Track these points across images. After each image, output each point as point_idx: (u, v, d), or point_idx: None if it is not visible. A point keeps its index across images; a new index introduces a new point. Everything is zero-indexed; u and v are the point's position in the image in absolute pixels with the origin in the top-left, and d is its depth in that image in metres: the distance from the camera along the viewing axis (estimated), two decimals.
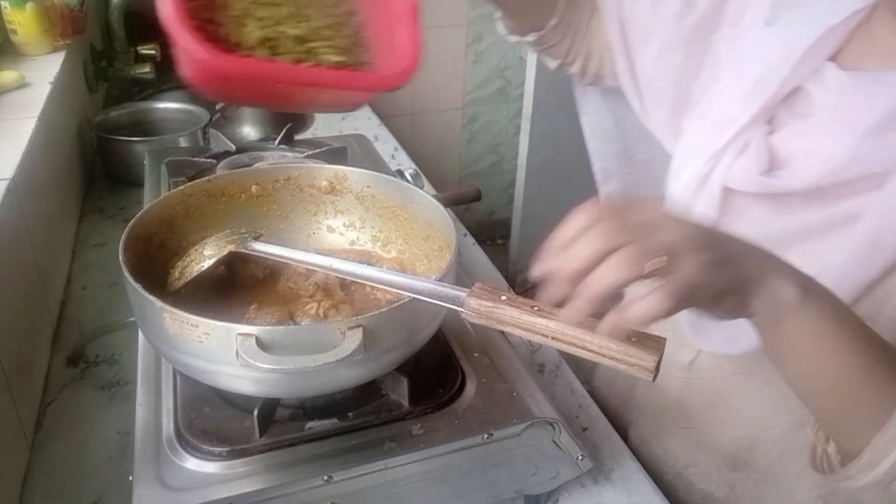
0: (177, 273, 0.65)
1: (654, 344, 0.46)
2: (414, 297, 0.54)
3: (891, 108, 0.57)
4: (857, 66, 0.62)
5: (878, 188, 0.57)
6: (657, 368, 0.45)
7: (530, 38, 0.83)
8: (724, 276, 0.46)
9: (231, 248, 0.64)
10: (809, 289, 0.49)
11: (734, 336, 0.66)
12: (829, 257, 0.59)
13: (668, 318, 0.45)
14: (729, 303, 0.47)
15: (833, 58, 0.64)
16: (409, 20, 0.62)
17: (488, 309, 0.49)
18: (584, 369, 0.92)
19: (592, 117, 0.95)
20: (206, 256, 0.64)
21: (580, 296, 0.45)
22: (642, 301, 0.44)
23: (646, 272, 0.44)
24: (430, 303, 0.52)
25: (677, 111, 0.76)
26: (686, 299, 0.45)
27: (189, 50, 0.47)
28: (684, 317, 0.73)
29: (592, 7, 0.82)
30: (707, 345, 0.72)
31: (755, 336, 0.56)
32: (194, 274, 0.63)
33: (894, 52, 0.60)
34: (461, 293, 0.51)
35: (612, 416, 0.82)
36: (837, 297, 0.50)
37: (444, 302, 0.51)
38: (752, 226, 0.64)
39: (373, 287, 0.71)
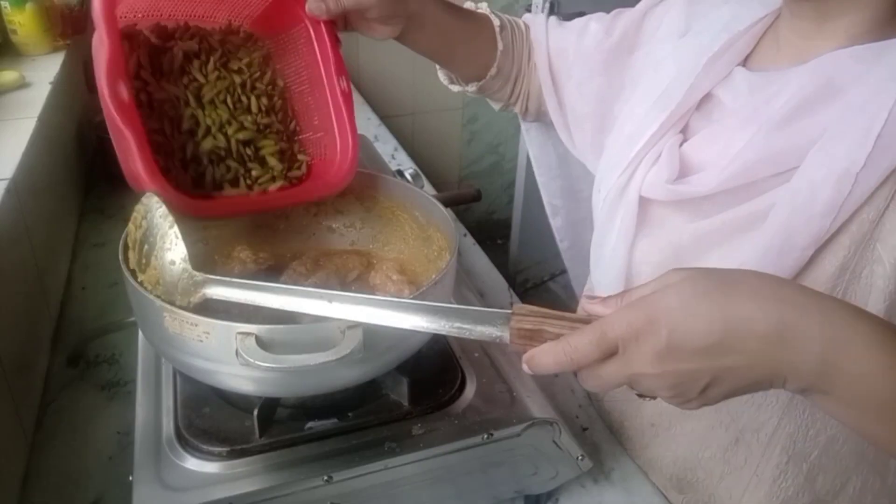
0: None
1: None
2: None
3: (793, 103, 0.57)
4: (766, 68, 0.64)
5: (784, 183, 0.57)
6: None
7: (471, 87, 0.86)
8: (732, 386, 0.43)
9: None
10: (831, 352, 0.41)
11: None
12: (744, 259, 0.58)
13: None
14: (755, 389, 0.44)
15: (744, 63, 0.65)
16: (345, 110, 0.72)
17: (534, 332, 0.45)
18: None
19: (538, 153, 0.97)
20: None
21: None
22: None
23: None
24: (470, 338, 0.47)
25: (602, 132, 0.78)
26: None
27: (169, 200, 0.57)
28: None
29: (529, 49, 0.84)
30: None
31: None
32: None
33: (797, 51, 0.61)
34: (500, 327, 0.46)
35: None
36: (873, 325, 0.42)
37: (485, 338, 0.46)
38: (669, 234, 0.65)
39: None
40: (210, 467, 0.56)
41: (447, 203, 0.75)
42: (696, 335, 0.41)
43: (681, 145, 0.66)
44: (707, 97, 0.66)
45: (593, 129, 0.80)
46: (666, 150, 0.65)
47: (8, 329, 0.73)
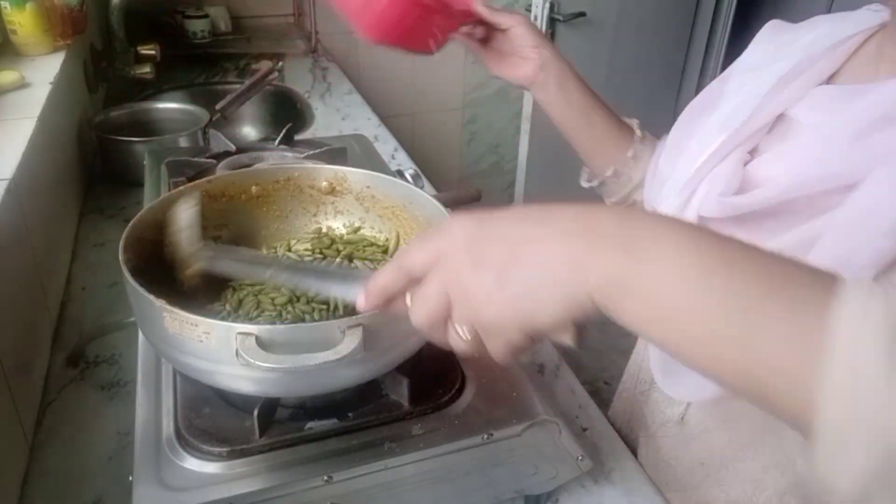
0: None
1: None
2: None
3: (873, 114, 0.53)
4: (861, 83, 0.59)
5: (839, 206, 0.53)
6: None
7: (608, 171, 0.86)
8: (531, 268, 0.40)
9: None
10: (637, 238, 0.38)
11: (699, 381, 0.61)
12: None
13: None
14: (543, 315, 0.41)
15: (829, 81, 0.62)
16: None
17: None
18: (584, 370, 0.92)
19: None
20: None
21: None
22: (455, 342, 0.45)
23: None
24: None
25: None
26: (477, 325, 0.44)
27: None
28: (653, 364, 0.71)
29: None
30: (677, 391, 0.69)
31: None
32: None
33: (877, 65, 0.58)
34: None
35: None
36: (694, 227, 0.40)
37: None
38: None
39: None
40: (210, 467, 0.56)
41: (447, 203, 0.75)
42: (502, 215, 0.43)
43: (747, 165, 0.62)
44: (782, 118, 0.63)
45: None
46: (726, 164, 0.62)
47: (8, 329, 0.73)
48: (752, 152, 0.63)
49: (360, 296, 0.48)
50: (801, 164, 0.57)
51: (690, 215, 0.63)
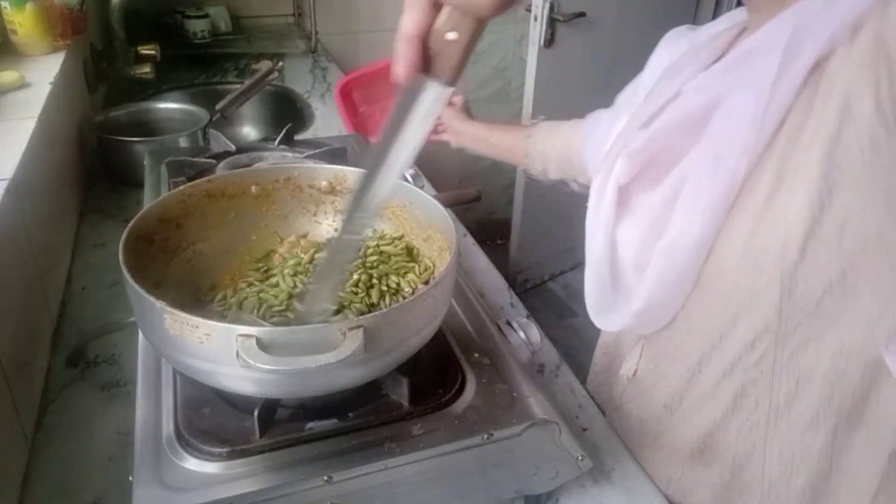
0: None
1: None
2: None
3: (731, 56, 0.65)
4: None
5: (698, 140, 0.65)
6: None
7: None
8: None
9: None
10: None
11: (628, 305, 0.71)
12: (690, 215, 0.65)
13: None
14: None
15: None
16: None
17: None
18: (584, 370, 0.92)
19: None
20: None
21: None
22: None
23: None
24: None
25: None
26: None
27: None
28: (589, 305, 0.78)
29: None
30: (606, 323, 0.77)
31: (645, 295, 0.69)
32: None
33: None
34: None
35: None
36: None
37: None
38: (643, 214, 0.71)
39: None
40: (210, 467, 0.57)
41: (447, 203, 0.75)
42: None
43: None
44: (675, 97, 0.73)
45: None
46: (633, 138, 0.72)
47: (8, 329, 0.73)
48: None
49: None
50: (680, 106, 0.68)
51: (611, 185, 0.73)
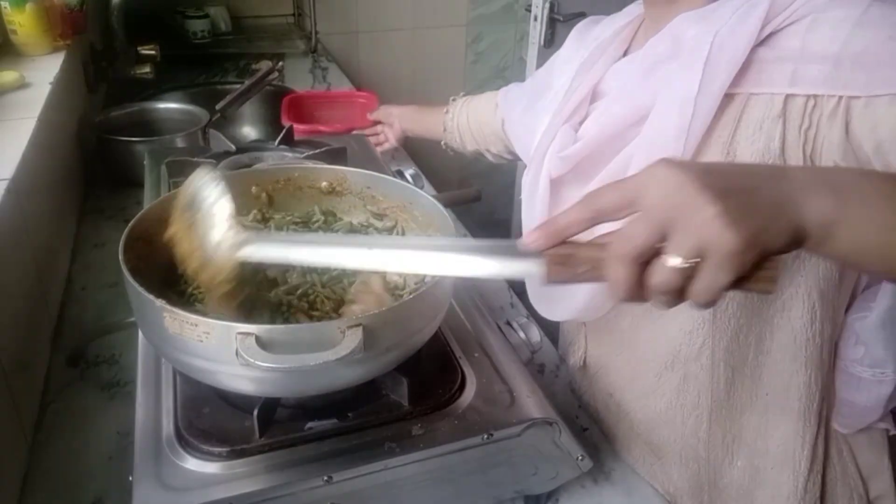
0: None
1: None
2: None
3: (647, 62, 0.69)
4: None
5: (638, 133, 0.67)
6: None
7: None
8: (754, 221, 0.42)
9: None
10: (842, 186, 0.46)
11: (573, 297, 0.74)
12: None
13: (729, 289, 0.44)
14: (776, 239, 0.43)
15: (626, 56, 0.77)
16: None
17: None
18: None
19: None
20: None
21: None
22: (699, 282, 0.43)
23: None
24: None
25: None
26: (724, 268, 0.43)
27: None
28: (532, 297, 0.82)
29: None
30: (551, 312, 0.79)
31: (594, 298, 0.72)
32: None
33: (648, 37, 0.72)
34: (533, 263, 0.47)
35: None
36: (873, 172, 0.53)
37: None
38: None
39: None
40: (210, 467, 0.56)
41: (447, 203, 0.75)
42: (722, 164, 0.51)
43: (578, 131, 0.77)
44: (596, 93, 0.77)
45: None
46: (561, 133, 0.76)
47: (8, 329, 0.73)
48: (584, 121, 0.77)
49: (532, 233, 0.46)
50: (608, 112, 0.72)
51: (545, 176, 0.76)
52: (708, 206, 0.41)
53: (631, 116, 0.68)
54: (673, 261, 0.43)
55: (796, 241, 0.44)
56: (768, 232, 0.43)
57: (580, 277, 0.46)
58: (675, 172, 0.43)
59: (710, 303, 0.44)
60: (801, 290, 0.67)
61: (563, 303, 0.77)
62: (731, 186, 0.43)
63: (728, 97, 0.63)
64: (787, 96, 0.60)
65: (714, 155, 0.64)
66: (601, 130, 0.71)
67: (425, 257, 0.49)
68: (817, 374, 0.71)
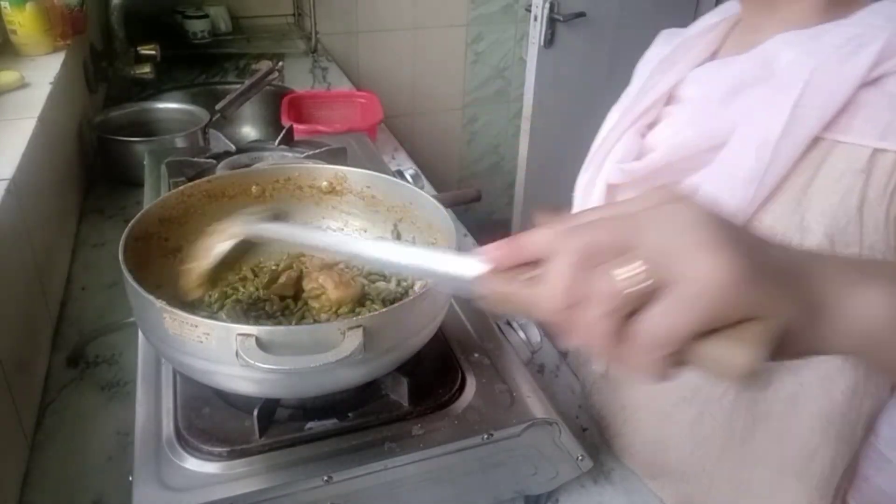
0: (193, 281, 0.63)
1: (756, 332, 0.32)
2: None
3: (730, 83, 0.62)
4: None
5: (711, 162, 0.62)
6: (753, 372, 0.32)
7: None
8: (786, 305, 0.33)
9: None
10: (881, 279, 0.38)
11: None
12: None
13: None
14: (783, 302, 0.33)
15: (713, 59, 0.71)
16: None
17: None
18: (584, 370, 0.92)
19: None
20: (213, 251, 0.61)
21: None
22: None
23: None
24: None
25: None
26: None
27: None
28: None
29: None
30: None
31: None
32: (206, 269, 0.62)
33: (751, 44, 0.64)
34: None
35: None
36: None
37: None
38: None
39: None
40: (210, 467, 0.56)
41: (447, 203, 0.75)
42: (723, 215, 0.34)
43: (645, 137, 0.73)
44: (673, 97, 0.72)
45: None
46: (626, 137, 0.72)
47: (8, 329, 0.73)
48: (653, 125, 0.73)
49: (485, 254, 0.38)
50: (681, 129, 0.66)
51: (600, 183, 0.73)
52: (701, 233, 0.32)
53: (704, 143, 0.63)
54: (623, 270, 0.32)
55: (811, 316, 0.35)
56: (775, 289, 0.33)
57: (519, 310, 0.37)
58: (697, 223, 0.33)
59: (652, 361, 0.32)
60: (847, 362, 0.60)
61: None
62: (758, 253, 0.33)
63: (812, 140, 0.56)
64: (875, 150, 0.54)
65: (785, 203, 0.58)
66: (669, 153, 0.66)
67: (367, 244, 0.49)
68: (846, 450, 0.64)
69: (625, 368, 0.34)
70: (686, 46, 0.72)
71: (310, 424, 0.61)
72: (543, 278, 0.35)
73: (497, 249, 0.38)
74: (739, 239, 0.33)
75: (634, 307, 0.32)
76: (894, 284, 0.37)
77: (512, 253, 0.37)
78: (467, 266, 0.39)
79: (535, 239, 0.36)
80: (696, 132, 0.64)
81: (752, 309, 0.32)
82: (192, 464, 0.57)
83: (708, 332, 0.32)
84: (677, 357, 0.32)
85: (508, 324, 0.76)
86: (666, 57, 0.72)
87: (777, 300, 0.32)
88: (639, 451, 0.75)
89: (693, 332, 0.31)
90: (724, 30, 0.72)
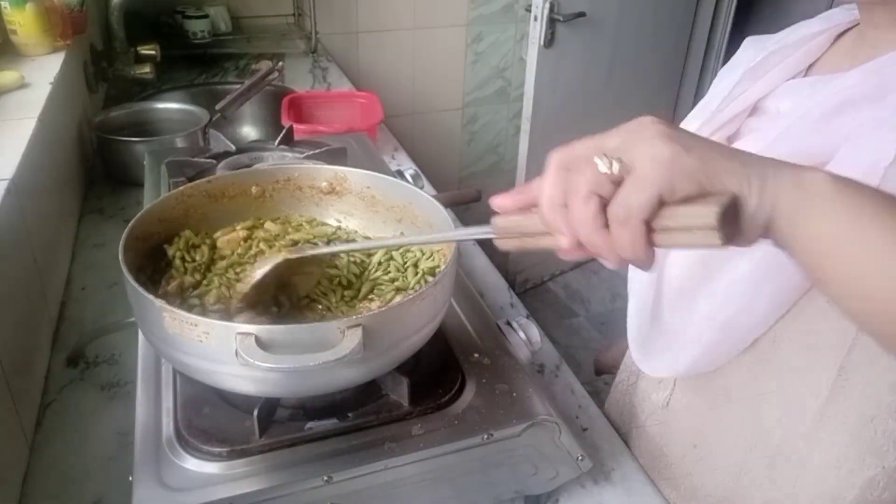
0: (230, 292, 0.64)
1: (714, 198, 0.41)
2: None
3: (835, 101, 0.57)
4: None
5: None
6: (721, 226, 0.40)
7: None
8: (700, 147, 0.42)
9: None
10: (838, 177, 0.42)
11: (675, 356, 0.67)
12: (763, 254, 0.57)
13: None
14: (720, 177, 0.41)
15: (806, 73, 0.67)
16: None
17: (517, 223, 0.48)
18: (584, 370, 0.92)
19: None
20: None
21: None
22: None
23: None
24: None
25: None
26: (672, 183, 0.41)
27: None
28: (632, 343, 0.74)
29: None
30: (652, 368, 0.72)
31: (695, 352, 0.64)
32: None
33: (867, 59, 0.59)
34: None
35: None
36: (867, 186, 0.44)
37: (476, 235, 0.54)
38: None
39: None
40: (210, 467, 0.56)
41: (447, 203, 0.75)
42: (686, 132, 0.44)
43: None
44: (758, 109, 0.68)
45: None
46: None
47: (8, 329, 0.73)
48: (733, 137, 0.69)
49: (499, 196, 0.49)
50: (773, 145, 0.60)
51: None
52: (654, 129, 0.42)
53: (800, 163, 0.57)
54: (601, 161, 0.43)
55: (748, 205, 0.41)
56: (713, 164, 0.41)
57: (528, 243, 0.49)
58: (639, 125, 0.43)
59: (634, 238, 0.41)
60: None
61: (664, 362, 0.70)
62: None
63: None
64: None
65: None
66: None
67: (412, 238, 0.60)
68: None
69: (614, 256, 0.43)
70: (782, 54, 0.66)
71: (310, 424, 0.61)
72: (538, 193, 0.45)
73: (503, 197, 0.49)
74: (681, 135, 0.42)
75: (609, 193, 0.42)
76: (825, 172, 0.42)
77: (515, 196, 0.48)
78: (483, 230, 0.51)
79: (532, 185, 0.46)
80: (791, 150, 0.57)
81: (695, 178, 0.41)
82: (192, 464, 0.57)
83: (675, 203, 0.41)
84: (655, 236, 0.42)
85: (508, 324, 0.76)
86: (758, 64, 0.67)
87: (721, 173, 0.41)
88: (710, 494, 0.72)
89: (654, 199, 0.41)
90: (827, 40, 0.65)
